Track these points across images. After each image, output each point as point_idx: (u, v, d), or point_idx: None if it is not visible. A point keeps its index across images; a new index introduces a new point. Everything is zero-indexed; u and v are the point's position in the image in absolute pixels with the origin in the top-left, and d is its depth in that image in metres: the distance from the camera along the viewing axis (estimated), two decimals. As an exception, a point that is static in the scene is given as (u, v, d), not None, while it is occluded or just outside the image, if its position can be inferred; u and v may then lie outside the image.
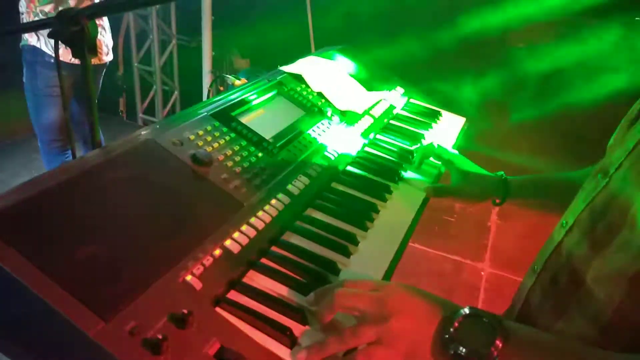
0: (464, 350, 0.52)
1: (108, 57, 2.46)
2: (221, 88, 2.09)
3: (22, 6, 2.20)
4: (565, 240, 0.71)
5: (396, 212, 0.93)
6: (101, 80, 2.54)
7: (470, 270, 2.56)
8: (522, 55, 3.60)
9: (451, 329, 0.54)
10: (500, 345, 0.51)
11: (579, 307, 0.63)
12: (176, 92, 3.87)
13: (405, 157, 1.11)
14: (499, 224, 2.98)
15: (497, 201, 1.04)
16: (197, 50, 3.52)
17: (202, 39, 3.40)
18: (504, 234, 2.89)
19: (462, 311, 0.55)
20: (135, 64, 3.75)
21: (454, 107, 1.42)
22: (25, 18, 2.20)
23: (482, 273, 2.55)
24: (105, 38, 2.41)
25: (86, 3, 2.17)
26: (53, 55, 0.76)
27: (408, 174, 1.06)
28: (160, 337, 0.54)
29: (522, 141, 3.31)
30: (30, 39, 2.19)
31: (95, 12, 0.80)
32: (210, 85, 2.41)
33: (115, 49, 3.83)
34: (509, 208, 3.18)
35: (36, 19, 2.15)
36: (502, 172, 1.04)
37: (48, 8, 2.15)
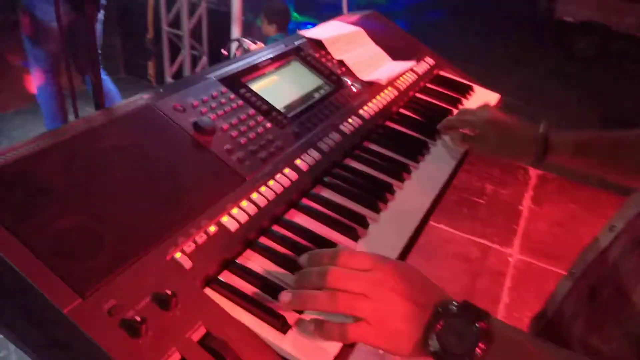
0: (443, 350, 0.51)
1: None
2: (237, 52, 2.03)
3: None
4: (613, 247, 0.62)
5: (413, 194, 0.85)
6: (98, 27, 2.58)
7: (497, 256, 2.46)
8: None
9: (437, 326, 0.52)
10: (483, 348, 0.50)
11: (619, 326, 0.56)
12: (204, 57, 3.82)
13: (429, 133, 1.03)
14: (532, 208, 2.84)
15: (536, 157, 0.89)
16: (226, 15, 3.44)
17: (232, 3, 3.31)
18: (537, 219, 2.76)
19: (451, 307, 0.53)
20: (165, 28, 3.71)
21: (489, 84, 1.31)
22: None
23: (510, 259, 2.45)
24: None
25: None
26: None
27: (431, 154, 0.98)
28: (138, 319, 0.50)
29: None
30: None
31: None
32: (227, 49, 2.35)
33: (144, 12, 3.81)
34: (544, 193, 3.03)
35: None
36: (544, 124, 0.90)
37: None
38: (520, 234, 2.62)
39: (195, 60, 3.88)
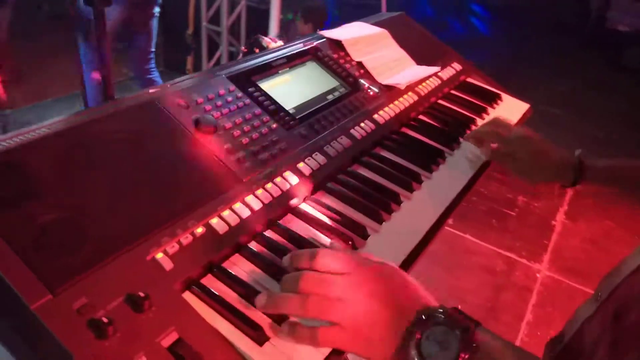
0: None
1: None
2: (256, 50, 2.02)
3: None
4: None
5: (422, 206, 0.81)
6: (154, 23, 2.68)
7: (524, 270, 2.35)
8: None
9: (417, 334, 0.49)
10: (466, 359, 0.47)
11: None
12: (241, 54, 3.84)
13: (447, 142, 0.98)
14: (565, 224, 2.70)
15: (567, 184, 0.89)
16: (265, 12, 3.45)
17: (271, 1, 3.32)
18: (570, 235, 2.61)
19: (436, 315, 0.49)
20: (204, 24, 3.77)
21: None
22: None
23: (538, 275, 2.33)
24: None
25: None
26: None
27: (446, 164, 0.93)
28: (106, 320, 0.49)
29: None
30: None
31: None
32: (247, 47, 2.35)
33: (186, 8, 3.88)
34: (580, 208, 2.88)
35: None
36: (579, 151, 0.89)
37: None
38: (550, 249, 2.49)
39: (232, 56, 3.92)
